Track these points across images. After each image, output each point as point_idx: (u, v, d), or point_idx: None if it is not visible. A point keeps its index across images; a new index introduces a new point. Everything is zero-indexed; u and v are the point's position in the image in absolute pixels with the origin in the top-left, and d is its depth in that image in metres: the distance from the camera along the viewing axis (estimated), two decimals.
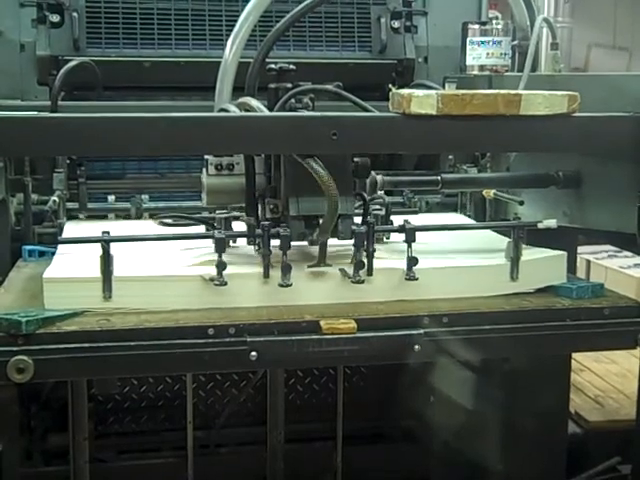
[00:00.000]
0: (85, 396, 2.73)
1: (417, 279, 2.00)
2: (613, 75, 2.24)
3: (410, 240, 2.01)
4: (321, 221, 1.95)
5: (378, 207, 2.22)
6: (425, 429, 2.84)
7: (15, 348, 1.74)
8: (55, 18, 2.84)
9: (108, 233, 1.91)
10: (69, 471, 2.78)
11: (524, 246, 2.10)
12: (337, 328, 1.85)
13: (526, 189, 2.45)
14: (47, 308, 1.86)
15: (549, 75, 2.58)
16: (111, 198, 2.72)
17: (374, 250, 1.99)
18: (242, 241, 2.11)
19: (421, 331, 1.90)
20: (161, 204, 2.70)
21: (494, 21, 2.88)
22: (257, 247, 2.03)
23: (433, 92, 1.87)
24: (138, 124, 1.77)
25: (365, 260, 1.98)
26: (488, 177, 2.59)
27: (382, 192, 2.44)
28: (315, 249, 2.03)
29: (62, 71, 2.62)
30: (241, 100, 2.06)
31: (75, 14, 2.82)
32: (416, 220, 2.14)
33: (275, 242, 1.94)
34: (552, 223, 2.16)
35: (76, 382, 2.67)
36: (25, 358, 1.73)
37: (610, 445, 3.33)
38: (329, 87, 2.11)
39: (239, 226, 2.14)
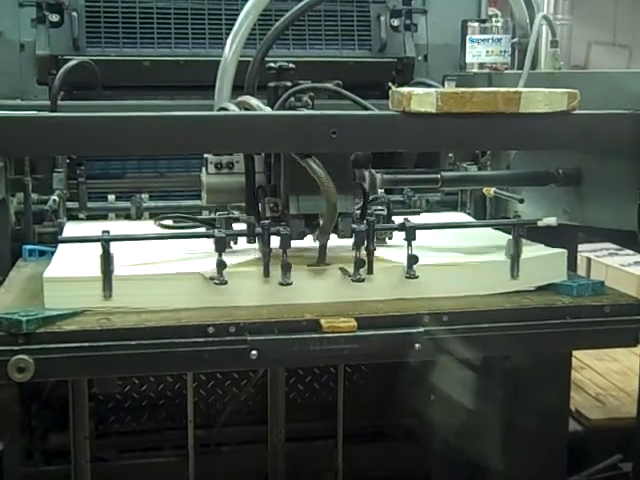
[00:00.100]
0: (86, 395, 2.73)
1: (417, 277, 2.00)
2: (613, 72, 2.24)
3: (410, 238, 2.00)
4: (321, 220, 1.95)
5: (380, 207, 2.22)
6: (426, 428, 2.84)
7: (15, 347, 1.74)
8: (54, 18, 2.84)
9: (108, 232, 1.91)
10: (70, 470, 2.78)
11: (524, 242, 2.10)
12: (337, 327, 1.85)
13: (526, 187, 2.45)
14: (47, 307, 1.86)
15: (549, 73, 2.58)
16: (111, 197, 2.72)
17: (374, 248, 1.99)
18: (242, 241, 2.10)
19: (421, 329, 1.90)
20: (161, 203, 2.70)
21: (494, 19, 2.88)
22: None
23: (433, 90, 1.86)
24: (138, 123, 1.77)
25: (365, 258, 1.98)
26: (488, 175, 2.59)
27: (382, 191, 2.45)
28: (315, 248, 2.03)
29: (62, 71, 2.61)
30: (241, 99, 2.06)
31: (74, 14, 2.82)
32: (417, 219, 2.14)
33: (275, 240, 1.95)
34: (552, 221, 2.15)
35: (77, 381, 2.67)
36: (25, 357, 1.73)
37: (611, 443, 3.33)
38: (329, 85, 2.10)
39: (240, 228, 2.13)
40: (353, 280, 1.97)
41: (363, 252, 1.98)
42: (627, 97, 2.04)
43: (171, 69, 2.89)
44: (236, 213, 2.15)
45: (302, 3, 2.26)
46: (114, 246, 1.91)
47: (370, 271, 1.99)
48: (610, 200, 2.19)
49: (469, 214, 2.76)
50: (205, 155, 2.10)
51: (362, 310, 1.93)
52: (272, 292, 1.95)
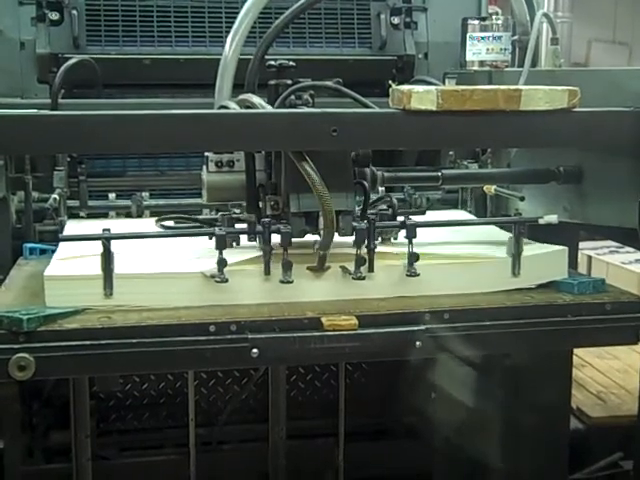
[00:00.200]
0: (87, 393, 2.74)
1: (418, 275, 2.00)
2: (613, 70, 2.24)
3: (411, 236, 2.00)
4: (321, 219, 1.94)
5: (385, 207, 2.22)
6: (427, 425, 2.84)
7: (16, 346, 1.74)
8: (55, 16, 2.83)
9: (109, 230, 1.91)
10: (71, 469, 2.79)
11: (525, 240, 2.10)
12: (338, 325, 1.85)
13: (527, 185, 2.45)
14: (48, 306, 1.86)
15: (549, 70, 2.58)
16: (112, 196, 2.71)
17: (375, 246, 1.99)
18: (243, 239, 2.10)
19: (422, 327, 1.90)
20: (162, 201, 2.70)
21: (494, 16, 2.87)
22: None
23: (433, 88, 1.86)
24: (138, 122, 1.77)
25: (366, 256, 1.98)
26: (489, 173, 2.59)
27: (382, 189, 2.45)
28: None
29: (62, 69, 2.61)
30: (242, 97, 2.06)
31: (74, 12, 2.82)
32: (420, 218, 2.14)
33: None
34: (553, 219, 2.15)
35: (78, 379, 2.67)
36: (26, 356, 1.73)
37: (612, 441, 3.33)
38: (329, 83, 2.10)
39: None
40: (354, 278, 1.97)
41: (364, 250, 1.98)
42: (627, 95, 2.04)
43: (171, 67, 2.89)
44: (237, 211, 2.15)
45: (302, 1, 2.26)
46: (115, 244, 1.91)
47: (371, 269, 1.99)
48: (611, 198, 2.19)
49: (470, 212, 2.76)
50: (206, 153, 2.10)
51: (363, 308, 1.93)
52: (273, 290, 1.95)
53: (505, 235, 2.20)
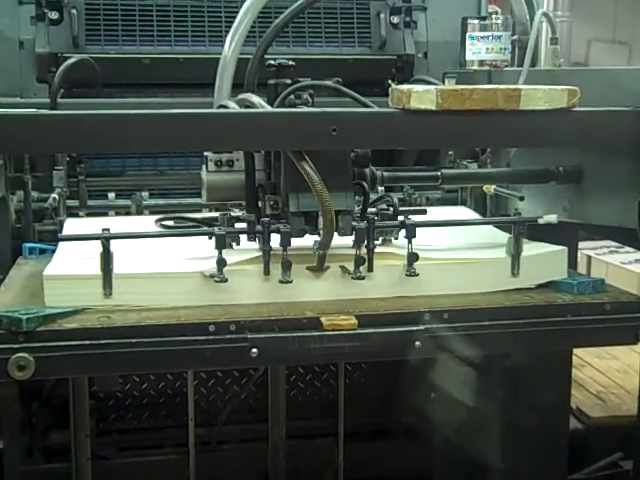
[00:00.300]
0: (86, 393, 2.73)
1: (418, 275, 2.00)
2: (613, 70, 2.24)
3: (410, 236, 2.00)
4: (320, 219, 1.94)
5: (385, 207, 2.22)
6: (426, 425, 2.84)
7: (16, 345, 1.74)
8: (54, 15, 2.84)
9: (108, 230, 1.91)
10: (70, 468, 2.78)
11: (525, 241, 2.09)
12: (338, 324, 1.85)
13: (526, 184, 2.45)
14: (48, 305, 1.86)
15: (549, 70, 2.58)
16: (111, 195, 2.71)
17: (374, 246, 1.99)
18: (243, 240, 2.10)
19: (422, 327, 1.90)
20: (161, 201, 2.70)
21: (493, 16, 2.87)
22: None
23: (432, 87, 1.86)
24: (138, 121, 1.77)
25: (366, 256, 1.97)
26: (488, 172, 2.59)
27: (382, 189, 2.45)
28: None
29: (61, 68, 2.61)
30: (242, 96, 2.06)
31: (74, 11, 2.82)
32: (421, 217, 2.14)
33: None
34: (552, 218, 2.15)
35: (77, 379, 2.67)
36: (26, 355, 1.73)
37: (612, 441, 3.33)
38: (328, 83, 2.10)
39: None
40: (353, 278, 1.97)
41: (363, 250, 1.98)
42: (627, 94, 2.04)
43: (171, 67, 2.89)
44: (236, 211, 2.15)
45: (302, 0, 2.25)
46: (114, 244, 1.90)
47: (370, 269, 1.99)
48: (610, 197, 2.19)
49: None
50: (205, 153, 2.10)
51: (362, 308, 1.93)
52: (272, 290, 1.95)
53: (504, 235, 2.19)
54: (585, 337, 2.06)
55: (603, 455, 3.30)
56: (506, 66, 2.80)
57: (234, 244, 2.05)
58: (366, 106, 2.02)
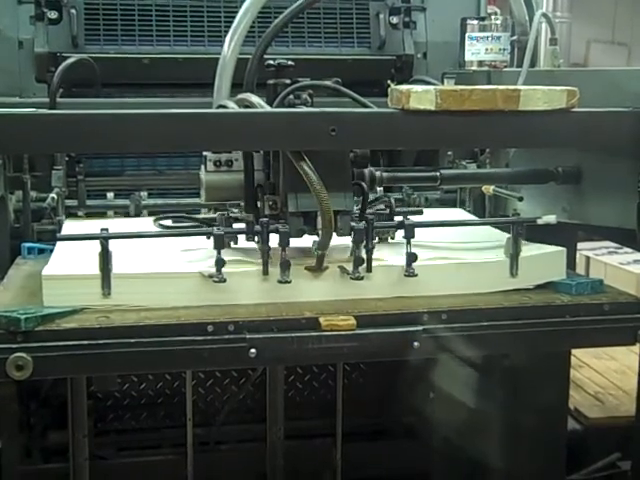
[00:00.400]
0: (84, 393, 2.73)
1: (416, 275, 1.99)
2: (612, 70, 2.24)
3: (409, 236, 2.00)
4: (319, 219, 1.94)
5: (382, 207, 2.22)
6: (424, 426, 2.84)
7: (14, 345, 1.74)
8: (53, 15, 2.83)
9: (107, 230, 1.91)
10: (69, 468, 2.78)
11: (523, 242, 2.09)
12: (336, 325, 1.85)
13: (525, 185, 2.45)
14: (46, 305, 1.86)
15: (548, 70, 2.58)
16: (110, 195, 2.71)
17: (373, 246, 1.99)
18: (241, 239, 2.10)
19: (420, 328, 1.90)
20: (160, 201, 2.69)
21: (493, 17, 2.87)
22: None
23: (432, 88, 1.86)
24: (137, 121, 1.77)
25: (364, 256, 1.97)
26: (487, 173, 2.58)
27: (381, 189, 2.45)
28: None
29: (60, 68, 2.61)
30: (241, 96, 2.06)
31: (73, 11, 2.81)
32: (418, 217, 2.13)
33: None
34: (551, 219, 2.15)
35: (75, 379, 2.67)
36: (24, 355, 1.73)
37: (610, 441, 3.33)
38: (328, 83, 2.10)
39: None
40: (352, 278, 1.97)
41: (362, 250, 1.98)
42: (626, 95, 2.04)
43: (170, 67, 2.89)
44: (235, 211, 2.14)
45: (301, 0, 2.25)
46: (113, 244, 1.90)
47: (369, 269, 1.99)
48: (609, 198, 2.19)
49: (469, 212, 2.75)
50: (204, 153, 2.09)
51: (361, 308, 1.93)
52: (271, 290, 1.95)
53: (503, 236, 2.19)
54: (583, 338, 2.06)
55: (601, 456, 3.30)
56: (505, 67, 2.80)
57: (232, 243, 2.05)
58: (365, 106, 2.02)
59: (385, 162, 2.81)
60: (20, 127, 1.72)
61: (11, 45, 2.83)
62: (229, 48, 2.35)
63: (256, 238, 1.99)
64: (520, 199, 2.44)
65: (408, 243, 2.00)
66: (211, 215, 2.37)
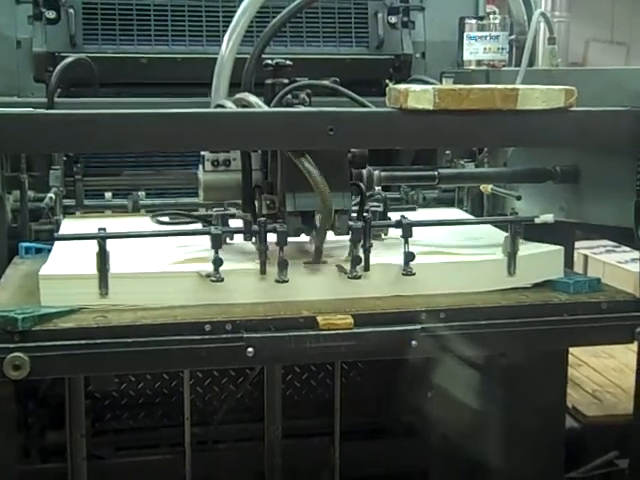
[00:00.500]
0: (82, 393, 2.73)
1: (414, 274, 2.00)
2: (610, 69, 2.24)
3: (407, 235, 2.00)
4: (317, 219, 1.94)
5: (376, 204, 2.22)
6: (423, 424, 2.84)
7: (11, 345, 1.74)
8: (51, 14, 2.83)
9: (104, 230, 1.91)
10: (66, 468, 2.78)
11: (521, 241, 2.10)
12: (334, 324, 1.85)
13: (523, 184, 2.45)
14: (43, 305, 1.86)
15: (546, 70, 2.58)
16: (108, 195, 2.71)
17: (371, 245, 1.99)
18: (239, 238, 2.10)
19: (418, 326, 1.90)
20: (158, 201, 2.69)
21: (491, 16, 2.88)
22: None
23: (430, 87, 1.86)
24: (135, 120, 1.77)
25: (362, 255, 1.97)
26: (485, 172, 2.59)
27: (379, 188, 2.44)
28: (311, 245, 2.02)
29: (58, 68, 2.61)
30: (239, 96, 2.06)
31: (71, 10, 2.81)
32: (414, 216, 2.14)
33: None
34: (549, 218, 2.15)
35: (73, 379, 2.67)
36: (21, 355, 1.73)
37: (608, 439, 3.33)
38: (326, 83, 2.10)
39: (236, 224, 2.13)
40: (350, 277, 1.97)
41: (360, 249, 1.98)
42: (625, 94, 2.04)
43: (168, 66, 2.89)
44: (233, 210, 2.15)
45: (299, 0, 2.25)
46: (110, 243, 1.90)
47: (367, 268, 1.99)
48: (607, 197, 2.19)
49: (466, 211, 2.76)
50: (202, 152, 2.09)
51: (359, 307, 1.93)
52: (268, 289, 1.95)
53: (501, 234, 2.19)
54: (581, 336, 2.06)
55: (599, 454, 3.30)
56: (504, 66, 2.80)
57: (227, 239, 2.05)
58: (363, 106, 2.02)
59: (383, 161, 2.80)
60: (18, 127, 1.72)
61: (9, 45, 2.83)
62: (227, 48, 2.35)
63: (253, 238, 1.99)
64: (518, 198, 2.44)
65: (406, 242, 2.00)
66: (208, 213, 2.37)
